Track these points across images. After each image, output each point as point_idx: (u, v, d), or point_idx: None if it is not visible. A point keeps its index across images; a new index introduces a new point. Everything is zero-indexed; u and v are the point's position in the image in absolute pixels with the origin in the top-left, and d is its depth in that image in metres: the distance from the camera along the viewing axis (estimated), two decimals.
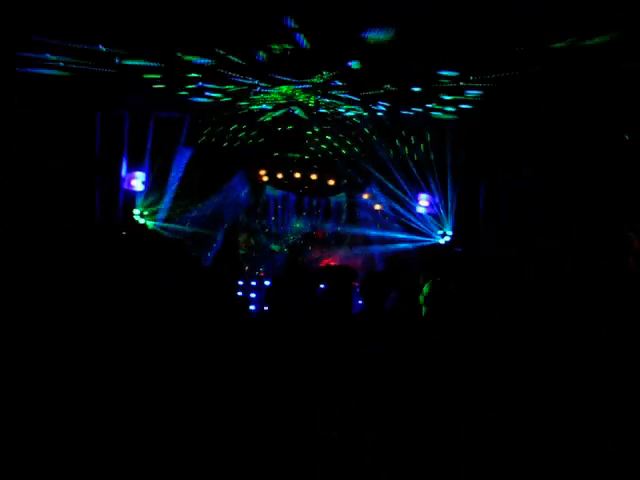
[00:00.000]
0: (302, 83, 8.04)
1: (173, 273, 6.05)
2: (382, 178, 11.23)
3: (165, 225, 10.27)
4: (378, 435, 3.19)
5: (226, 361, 3.96)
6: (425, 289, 5.54)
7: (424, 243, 11.15)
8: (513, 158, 10.12)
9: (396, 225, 11.47)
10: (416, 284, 6.16)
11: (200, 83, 8.02)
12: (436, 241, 11.16)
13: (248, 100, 9.19)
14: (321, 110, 9.75)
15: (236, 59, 7.00)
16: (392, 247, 11.12)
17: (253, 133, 10.87)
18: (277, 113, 9.66)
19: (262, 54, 6.80)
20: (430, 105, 8.86)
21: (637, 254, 7.88)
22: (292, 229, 11.71)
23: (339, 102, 9.09)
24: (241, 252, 11.17)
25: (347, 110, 9.65)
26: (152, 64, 7.20)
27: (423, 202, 11.42)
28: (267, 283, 9.44)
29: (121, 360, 4.11)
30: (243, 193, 11.32)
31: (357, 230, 11.55)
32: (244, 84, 8.09)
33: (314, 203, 11.76)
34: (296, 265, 10.75)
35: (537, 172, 9.96)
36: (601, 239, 7.97)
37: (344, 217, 11.81)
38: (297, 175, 11.57)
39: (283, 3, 5.36)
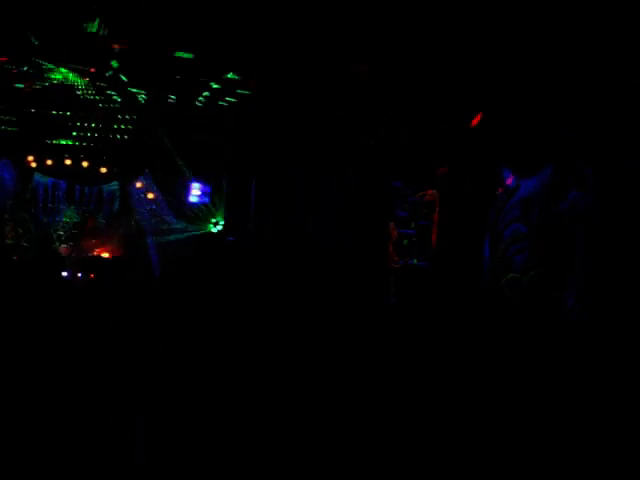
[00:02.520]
0: None
1: None
2: (155, 166, 11.50)
3: None
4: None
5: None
6: None
7: (198, 232, 11.75)
8: (280, 154, 11.13)
9: (170, 213, 11.85)
10: None
11: None
12: (209, 230, 11.85)
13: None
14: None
15: None
16: (166, 236, 11.50)
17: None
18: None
19: None
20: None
21: (395, 241, 9.73)
22: (62, 218, 11.39)
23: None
24: (9, 242, 10.61)
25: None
26: None
27: (195, 191, 12.01)
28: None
29: None
30: (9, 180, 10.68)
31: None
32: None
33: (86, 191, 11.56)
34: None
35: (303, 168, 11.07)
36: (367, 230, 9.64)
37: (117, 205, 11.81)
38: (68, 162, 11.23)
39: None
